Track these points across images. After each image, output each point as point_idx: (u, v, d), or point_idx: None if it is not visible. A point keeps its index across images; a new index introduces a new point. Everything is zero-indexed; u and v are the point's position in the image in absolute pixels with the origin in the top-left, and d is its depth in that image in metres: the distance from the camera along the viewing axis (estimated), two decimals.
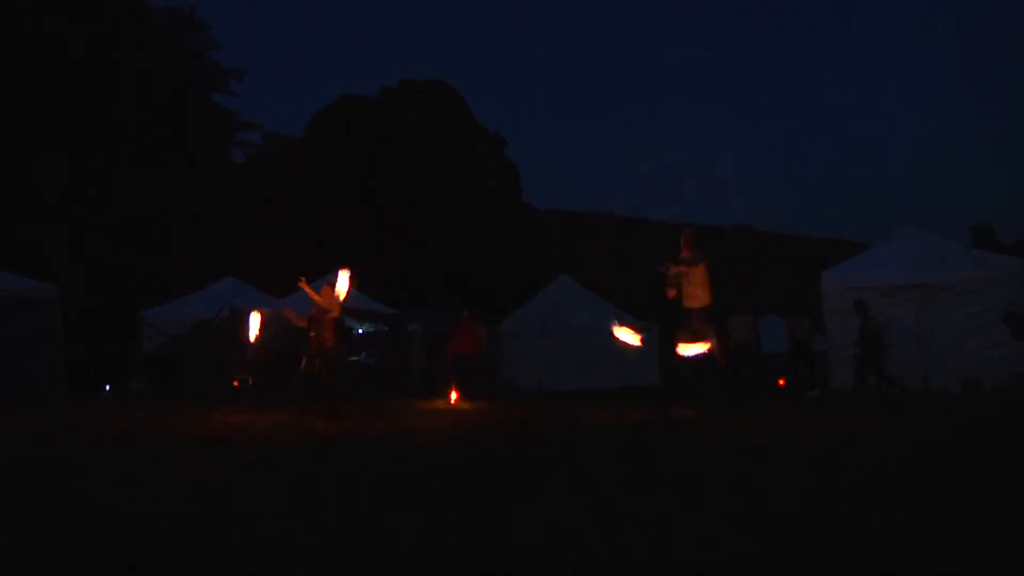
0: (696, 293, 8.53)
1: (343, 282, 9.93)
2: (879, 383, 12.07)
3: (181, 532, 3.27)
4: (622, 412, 8.71)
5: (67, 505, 3.78)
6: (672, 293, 8.42)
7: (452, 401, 11.98)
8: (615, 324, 8.72)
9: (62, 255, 22.34)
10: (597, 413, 9.18)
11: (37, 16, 24.01)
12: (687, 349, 8.13)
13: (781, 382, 14.58)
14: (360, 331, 20.90)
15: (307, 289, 9.97)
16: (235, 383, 16.32)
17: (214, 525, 3.40)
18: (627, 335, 8.52)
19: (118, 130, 25.96)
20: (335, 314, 9.87)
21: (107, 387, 14.86)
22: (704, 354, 8.36)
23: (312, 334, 9.86)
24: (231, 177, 33.61)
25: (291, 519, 3.48)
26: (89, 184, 24.22)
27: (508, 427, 7.97)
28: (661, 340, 8.68)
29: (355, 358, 19.07)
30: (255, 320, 10.70)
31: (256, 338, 10.30)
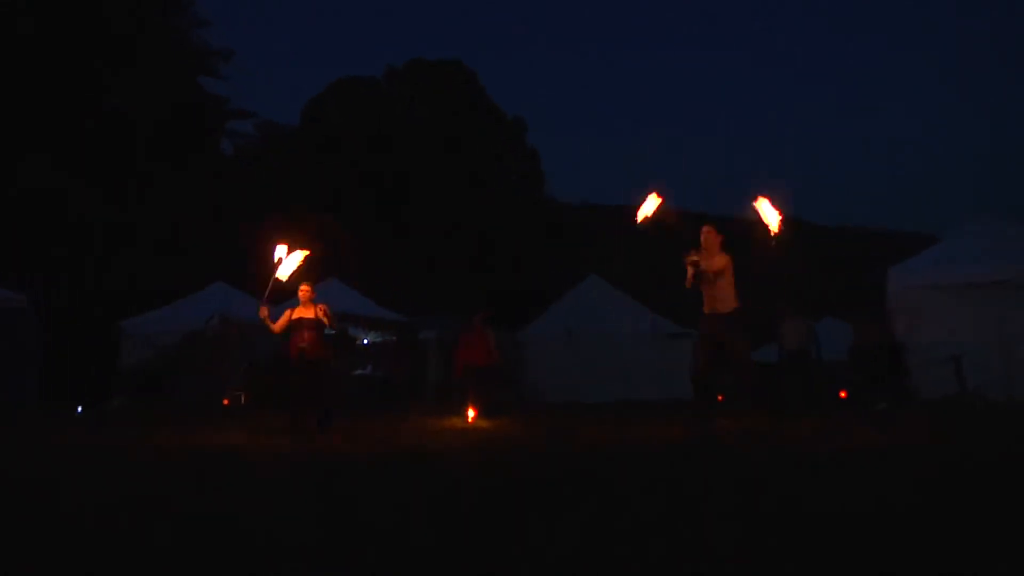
0: (720, 296, 8.44)
1: (288, 262, 9.53)
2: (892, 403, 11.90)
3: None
4: (659, 429, 8.66)
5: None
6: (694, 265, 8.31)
7: (469, 419, 11.94)
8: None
9: (39, 262, 22.65)
10: (631, 429, 9.13)
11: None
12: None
13: (843, 394, 14.43)
14: (366, 341, 20.98)
15: (268, 322, 9.54)
16: (226, 401, 16.44)
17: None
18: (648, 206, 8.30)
19: (105, 124, 26.35)
20: (324, 320, 9.55)
21: (79, 407, 14.89)
22: (733, 360, 8.30)
23: (295, 341, 9.52)
24: (221, 170, 33.85)
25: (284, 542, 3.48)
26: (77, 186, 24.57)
27: (526, 447, 7.93)
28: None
29: (361, 371, 19.14)
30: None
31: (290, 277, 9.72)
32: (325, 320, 9.56)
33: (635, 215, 8.28)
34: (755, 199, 8.11)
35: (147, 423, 11.62)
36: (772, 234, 7.97)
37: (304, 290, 9.77)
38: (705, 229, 8.90)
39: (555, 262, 39.27)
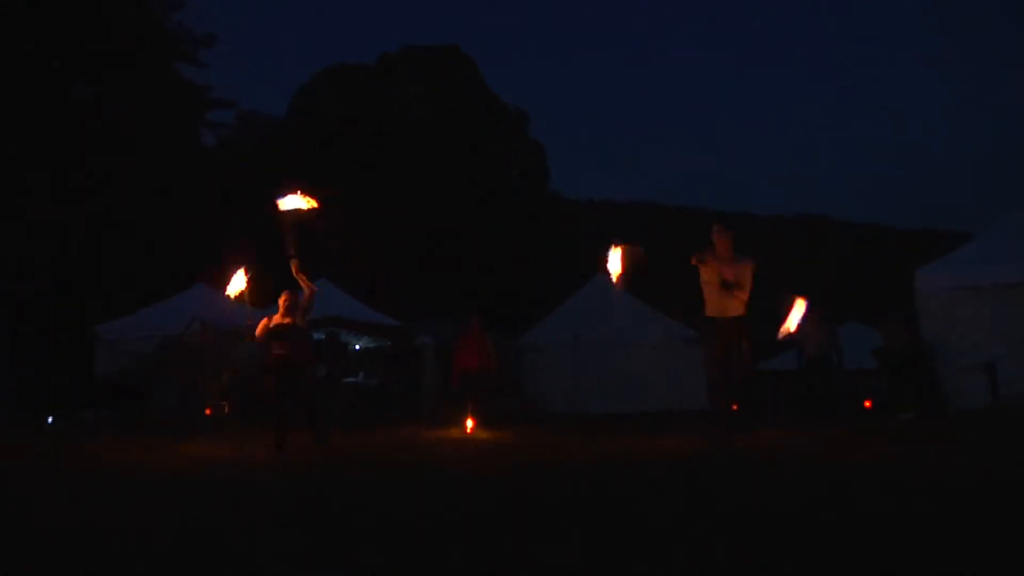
0: (728, 301, 8.46)
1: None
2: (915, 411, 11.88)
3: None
4: (669, 440, 8.64)
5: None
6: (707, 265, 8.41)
7: (468, 429, 11.93)
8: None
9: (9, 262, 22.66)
10: (639, 442, 9.11)
11: None
12: None
13: (867, 403, 14.39)
14: (357, 347, 20.98)
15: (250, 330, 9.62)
16: (208, 411, 16.43)
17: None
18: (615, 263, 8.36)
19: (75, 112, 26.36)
20: (300, 323, 9.52)
21: (50, 419, 14.89)
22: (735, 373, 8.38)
23: (276, 346, 9.41)
24: (201, 163, 33.84)
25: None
26: (39, 179, 24.56)
27: (527, 459, 7.92)
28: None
29: (352, 379, 19.14)
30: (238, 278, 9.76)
31: (239, 293, 9.56)
32: (306, 289, 9.45)
33: (613, 277, 8.37)
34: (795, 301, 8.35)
35: (121, 435, 11.64)
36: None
37: (285, 298, 9.72)
38: (716, 228, 8.92)
39: (560, 262, 39.25)
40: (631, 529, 4.12)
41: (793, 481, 5.68)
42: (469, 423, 12.11)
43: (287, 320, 9.45)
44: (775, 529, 4.00)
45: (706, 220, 9.39)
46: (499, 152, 42.73)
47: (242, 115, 40.55)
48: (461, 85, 41.56)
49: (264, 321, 9.60)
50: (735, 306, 8.55)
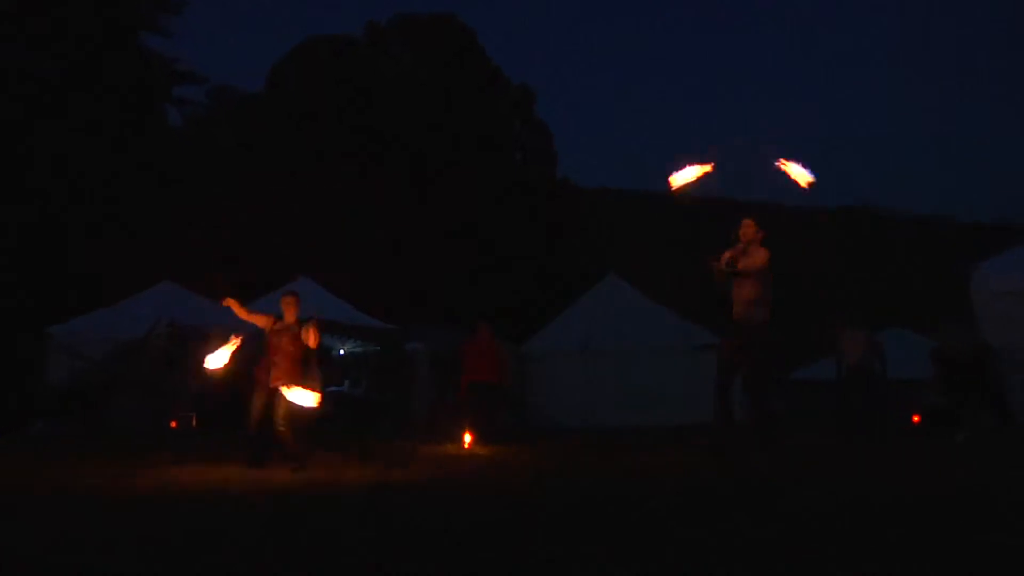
0: (751, 300, 8.49)
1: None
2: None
3: None
4: (675, 457, 8.67)
5: None
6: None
7: (466, 445, 11.98)
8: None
9: None
10: (653, 458, 9.15)
11: None
12: None
13: (915, 418, 14.40)
14: (341, 352, 20.97)
15: (238, 310, 9.29)
16: (173, 424, 16.44)
17: None
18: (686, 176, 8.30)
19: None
20: (311, 343, 9.29)
21: None
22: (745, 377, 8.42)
23: (270, 366, 9.29)
24: (166, 145, 33.83)
25: None
26: None
27: (528, 477, 7.95)
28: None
29: (336, 388, 19.13)
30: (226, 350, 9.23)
31: (221, 369, 9.28)
32: (312, 344, 9.32)
33: (671, 181, 8.30)
34: (779, 160, 8.21)
35: (73, 451, 11.64)
36: (804, 186, 8.08)
37: (290, 302, 9.57)
38: (745, 222, 8.96)
39: (569, 257, 39.26)
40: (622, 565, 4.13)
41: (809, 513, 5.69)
42: (467, 438, 12.16)
43: (288, 335, 9.25)
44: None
45: (735, 213, 9.39)
46: (501, 132, 42.64)
47: (213, 91, 40.62)
48: (458, 59, 41.50)
49: (266, 320, 9.43)
50: (755, 308, 8.57)
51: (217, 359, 9.06)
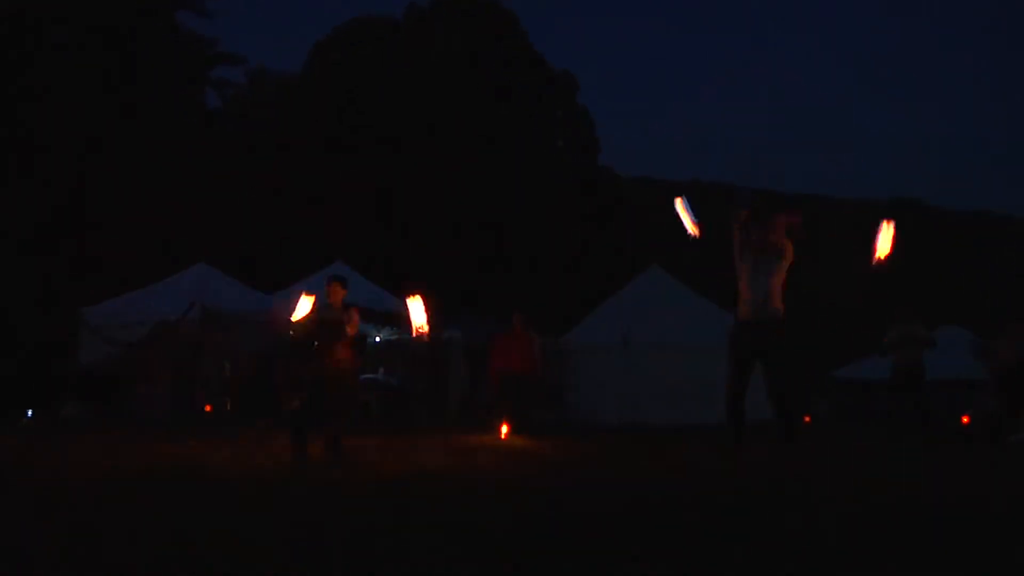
0: (767, 295, 8.10)
1: (417, 312, 9.44)
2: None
3: None
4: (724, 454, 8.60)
5: None
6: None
7: (502, 435, 12.02)
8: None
9: None
10: (693, 455, 9.10)
11: None
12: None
13: (965, 419, 14.24)
14: (377, 339, 21.04)
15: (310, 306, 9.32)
16: (208, 407, 16.60)
17: None
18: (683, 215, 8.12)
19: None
20: (352, 330, 9.40)
21: (29, 412, 15.10)
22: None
23: (317, 346, 9.40)
24: (204, 127, 34.10)
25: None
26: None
27: (565, 469, 7.95)
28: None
29: (371, 376, 19.22)
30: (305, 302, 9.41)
31: (301, 320, 9.37)
32: (351, 330, 9.42)
33: (688, 233, 8.11)
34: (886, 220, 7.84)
35: (105, 433, 11.76)
36: (877, 256, 7.68)
37: (336, 290, 9.64)
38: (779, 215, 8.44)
39: (610, 249, 39.12)
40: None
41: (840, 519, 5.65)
42: (504, 428, 12.20)
43: (336, 321, 9.35)
44: None
45: (779, 204, 9.19)
46: (543, 120, 42.59)
47: (252, 73, 40.90)
48: (500, 43, 41.51)
49: (310, 303, 9.36)
50: (768, 302, 8.01)
51: (302, 308, 9.25)
